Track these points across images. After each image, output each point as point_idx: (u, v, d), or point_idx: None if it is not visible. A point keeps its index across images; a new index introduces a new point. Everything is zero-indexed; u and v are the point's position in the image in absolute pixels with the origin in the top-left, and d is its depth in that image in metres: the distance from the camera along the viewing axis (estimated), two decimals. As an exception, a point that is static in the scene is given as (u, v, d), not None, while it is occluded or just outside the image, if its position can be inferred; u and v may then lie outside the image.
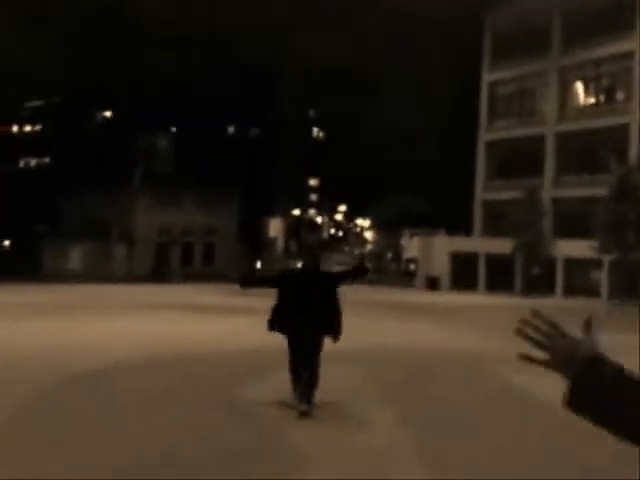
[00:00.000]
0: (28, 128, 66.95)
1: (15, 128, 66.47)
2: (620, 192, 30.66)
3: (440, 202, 55.59)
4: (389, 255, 62.17)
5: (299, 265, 7.80)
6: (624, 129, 35.60)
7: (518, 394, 8.24)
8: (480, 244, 39.02)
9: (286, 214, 63.63)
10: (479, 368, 9.98)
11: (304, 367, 6.77)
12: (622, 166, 31.73)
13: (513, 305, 24.03)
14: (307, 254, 7.77)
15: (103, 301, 22.86)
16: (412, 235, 46.51)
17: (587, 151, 37.34)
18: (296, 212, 71.63)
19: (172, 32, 55.84)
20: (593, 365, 1.23)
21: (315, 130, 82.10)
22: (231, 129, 68.33)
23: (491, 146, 42.83)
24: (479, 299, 31.41)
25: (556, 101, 39.80)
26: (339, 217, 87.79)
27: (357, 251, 69.40)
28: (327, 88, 66.18)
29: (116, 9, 54.56)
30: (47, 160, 64.25)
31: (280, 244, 57.55)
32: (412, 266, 45.05)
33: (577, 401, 1.24)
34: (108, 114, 64.36)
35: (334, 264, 49.48)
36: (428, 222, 48.66)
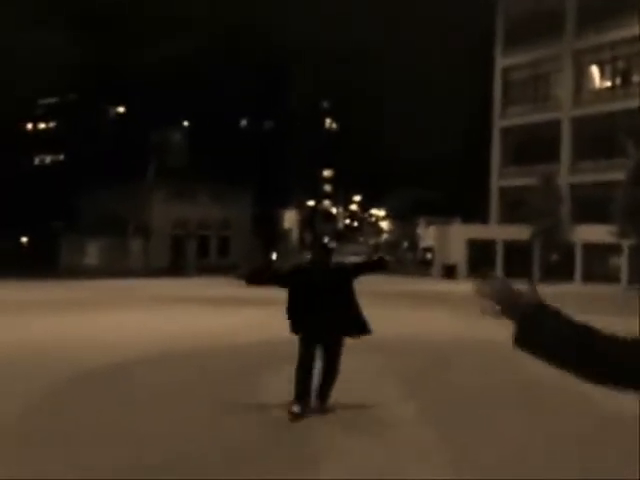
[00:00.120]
0: (42, 125, 67.35)
1: (30, 125, 66.88)
2: (638, 176, 30.20)
3: (455, 190, 55.24)
4: (405, 244, 61.95)
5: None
6: (641, 112, 35.07)
7: (535, 382, 8.11)
8: (497, 231, 38.72)
9: (301, 205, 63.57)
10: (496, 357, 9.84)
11: (324, 367, 6.48)
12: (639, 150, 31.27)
13: (531, 292, 23.77)
14: (317, 247, 7.14)
15: (120, 296, 22.94)
16: (428, 224, 46.28)
17: (603, 135, 36.84)
18: (311, 203, 71.56)
19: (184, 26, 55.81)
20: (535, 309, 1.48)
21: (328, 121, 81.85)
22: (244, 122, 68.27)
23: (506, 132, 42.39)
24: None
25: (571, 85, 39.28)
26: (354, 207, 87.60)
27: (372, 241, 69.23)
28: (339, 78, 65.86)
29: (129, 4, 54.60)
30: (62, 157, 64.63)
31: (295, 236, 57.53)
32: (428, 255, 44.84)
33: (522, 339, 1.48)
34: (121, 109, 64.55)
35: (349, 254, 49.43)
36: (444, 211, 48.40)
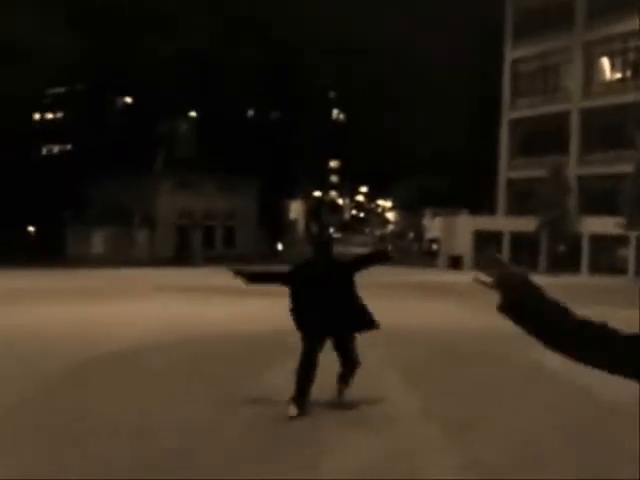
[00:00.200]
0: (50, 116, 67.43)
1: (38, 116, 66.98)
2: (647, 168, 29.99)
3: (463, 181, 55.04)
4: (411, 235, 61.83)
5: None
6: (651, 104, 34.78)
7: (541, 372, 8.06)
8: (504, 223, 38.56)
9: (307, 196, 63.51)
10: (502, 347, 9.79)
11: (342, 361, 6.36)
12: (649, 142, 31.03)
13: (539, 283, 23.69)
14: (317, 242, 6.84)
15: (126, 285, 22.99)
16: (434, 215, 46.13)
17: (613, 127, 36.56)
18: (317, 194, 71.48)
19: (192, 17, 55.67)
20: (520, 282, 1.67)
21: (335, 112, 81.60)
22: (251, 113, 68.13)
23: (515, 124, 42.14)
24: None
25: (581, 77, 38.96)
26: (360, 198, 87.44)
27: (378, 232, 69.13)
28: (347, 69, 65.61)
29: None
30: (69, 147, 64.72)
31: (301, 226, 57.49)
32: (434, 246, 44.72)
33: (506, 307, 1.67)
34: (129, 100, 64.53)
35: (355, 245, 49.36)
36: (451, 202, 48.24)
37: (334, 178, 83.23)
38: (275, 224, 53.22)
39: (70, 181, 51.17)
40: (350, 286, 6.35)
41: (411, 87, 57.77)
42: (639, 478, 1.62)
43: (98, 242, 42.83)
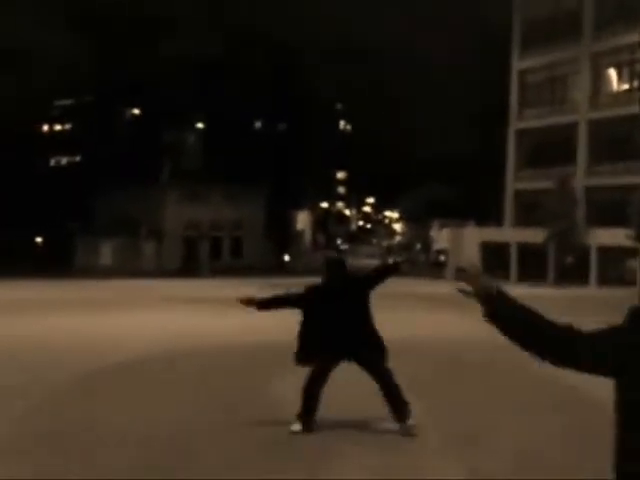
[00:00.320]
0: (58, 127, 67.86)
1: (46, 127, 67.42)
2: (655, 179, 29.90)
3: (470, 192, 54.97)
4: (418, 246, 61.73)
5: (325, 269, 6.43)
6: (659, 115, 34.69)
7: (547, 383, 8.01)
8: (511, 234, 38.45)
9: (314, 207, 63.58)
10: (508, 359, 9.73)
11: (379, 387, 6.08)
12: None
13: (546, 295, 23.57)
14: (331, 261, 6.53)
15: (134, 296, 23.02)
16: (441, 226, 46.08)
17: (620, 138, 36.48)
18: (324, 205, 71.55)
19: (200, 28, 56.03)
20: (499, 294, 1.91)
21: (342, 123, 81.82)
22: (258, 124, 68.37)
23: (522, 135, 42.11)
24: (511, 290, 30.84)
25: (588, 88, 38.93)
26: (367, 209, 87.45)
27: (385, 243, 69.05)
28: (354, 80, 65.79)
29: (145, 6, 54.89)
30: (78, 158, 65.06)
31: (308, 237, 57.52)
32: (442, 257, 44.64)
33: (488, 315, 1.90)
34: (136, 111, 64.89)
35: (363, 256, 49.27)
36: (458, 213, 48.17)
37: (341, 189, 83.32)
38: (282, 235, 53.25)
39: (78, 192, 51.41)
40: (365, 304, 6.16)
41: (419, 99, 57.86)
42: None
43: (106, 253, 42.97)
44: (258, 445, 5.65)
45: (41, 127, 66.33)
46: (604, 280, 33.58)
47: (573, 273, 34.80)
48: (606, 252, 34.04)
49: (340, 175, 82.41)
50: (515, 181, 42.17)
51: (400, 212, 77.84)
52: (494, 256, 37.63)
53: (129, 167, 50.71)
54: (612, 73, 38.90)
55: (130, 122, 64.07)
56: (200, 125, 59.14)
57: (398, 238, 76.68)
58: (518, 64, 42.55)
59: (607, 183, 36.54)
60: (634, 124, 35.24)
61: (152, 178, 45.93)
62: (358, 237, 79.16)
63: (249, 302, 6.29)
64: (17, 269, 32.60)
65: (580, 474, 5.03)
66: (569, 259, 35.92)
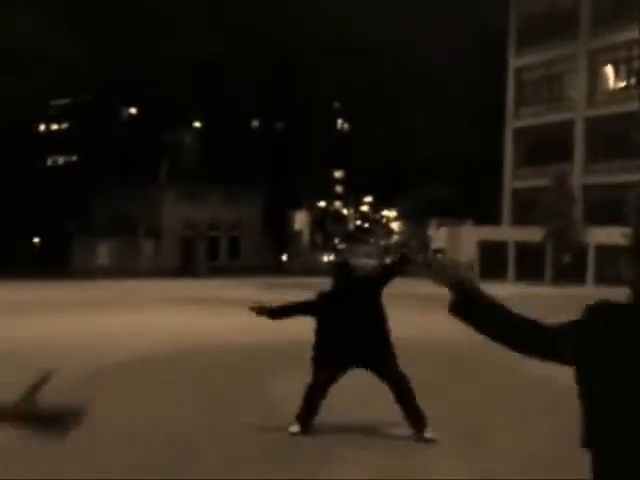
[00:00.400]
0: (55, 126, 67.73)
1: (43, 126, 67.29)
2: (653, 177, 29.95)
3: (467, 191, 55.01)
4: (415, 244, 61.69)
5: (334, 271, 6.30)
6: (656, 112, 34.74)
7: (546, 381, 8.03)
8: (509, 233, 38.49)
9: (311, 206, 63.55)
10: (508, 358, 9.75)
11: (394, 394, 5.92)
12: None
13: (544, 294, 23.62)
14: (335, 265, 6.39)
15: (132, 296, 23.01)
16: (439, 225, 46.10)
17: (618, 136, 36.53)
18: (321, 204, 71.52)
19: (197, 28, 55.96)
20: (466, 287, 1.94)
21: (340, 122, 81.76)
22: (255, 123, 68.32)
23: (519, 133, 42.16)
24: (508, 289, 30.94)
25: (585, 86, 38.98)
26: (365, 208, 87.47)
27: (383, 242, 69.08)
28: (351, 79, 65.74)
29: (143, 6, 54.82)
30: (75, 158, 64.95)
31: (305, 237, 57.50)
32: (439, 256, 44.64)
33: (454, 309, 1.96)
34: (133, 110, 64.80)
35: (361, 256, 49.31)
36: (455, 212, 48.18)
37: (338, 188, 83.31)
38: (280, 235, 53.23)
39: (75, 192, 51.33)
40: (378, 305, 6.00)
41: (416, 97, 57.83)
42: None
43: (103, 253, 42.90)
44: (258, 445, 5.66)
45: (38, 126, 66.20)
46: (601, 279, 33.63)
47: (570, 272, 34.85)
48: (603, 251, 34.09)
49: (337, 174, 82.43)
50: (512, 179, 42.22)
51: (398, 211, 77.88)
52: (492, 255, 37.69)
53: (126, 166, 50.63)
54: (609, 70, 38.96)
55: (127, 121, 63.98)
56: (198, 124, 59.10)
57: (396, 237, 76.73)
58: (514, 62, 42.57)
59: (604, 181, 36.60)
60: (631, 121, 35.29)
61: (150, 177, 45.87)
62: (356, 236, 79.13)
63: (261, 310, 6.10)
64: (15, 270, 32.53)
65: (580, 474, 5.04)
66: (567, 258, 35.97)
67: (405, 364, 8.55)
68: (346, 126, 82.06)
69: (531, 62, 41.50)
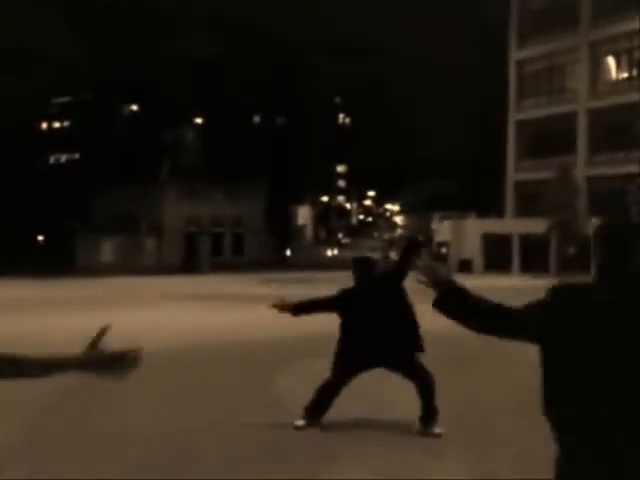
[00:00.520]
0: (57, 124, 67.74)
1: (44, 125, 67.31)
2: (656, 167, 29.80)
3: (471, 184, 54.88)
4: (420, 238, 61.63)
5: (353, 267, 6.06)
6: (659, 102, 34.58)
7: (537, 381, 7.95)
8: (513, 225, 38.38)
9: (314, 201, 63.51)
10: (509, 348, 9.68)
11: (417, 389, 5.79)
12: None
13: (549, 286, 23.48)
14: (355, 261, 6.12)
15: (135, 293, 22.99)
16: (442, 218, 45.99)
17: (620, 127, 36.37)
18: (324, 199, 71.50)
19: (199, 25, 55.86)
20: (447, 285, 2.14)
21: (341, 116, 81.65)
22: (257, 119, 68.26)
23: (521, 126, 42.00)
24: (513, 281, 30.90)
25: (587, 77, 38.79)
26: (368, 203, 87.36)
27: (386, 236, 69.01)
28: (353, 74, 65.60)
29: (145, 4, 54.75)
30: (77, 156, 64.98)
31: (309, 232, 57.46)
32: (443, 250, 44.56)
33: (438, 304, 2.15)
34: (134, 108, 64.77)
35: (365, 250, 49.22)
36: (459, 205, 48.08)
37: (341, 183, 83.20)
38: (283, 230, 53.21)
39: (77, 190, 51.36)
40: (403, 298, 5.86)
41: (418, 91, 57.64)
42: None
43: (106, 251, 42.93)
44: (259, 444, 5.59)
45: (40, 125, 66.23)
46: (606, 270, 33.51)
47: (575, 263, 34.74)
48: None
49: (340, 169, 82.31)
50: (515, 172, 42.08)
51: (401, 205, 77.78)
52: (496, 248, 37.59)
53: (128, 164, 50.65)
54: (611, 61, 38.75)
55: (129, 119, 63.97)
56: (199, 121, 59.04)
57: (399, 231, 76.63)
58: (516, 54, 42.38)
59: (607, 172, 36.45)
60: (633, 112, 35.11)
61: (151, 175, 45.87)
62: (359, 231, 79.10)
63: (284, 307, 5.95)
64: (18, 268, 32.56)
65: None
66: (571, 249, 35.85)
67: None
68: (348, 121, 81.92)
69: (532, 54, 41.31)
